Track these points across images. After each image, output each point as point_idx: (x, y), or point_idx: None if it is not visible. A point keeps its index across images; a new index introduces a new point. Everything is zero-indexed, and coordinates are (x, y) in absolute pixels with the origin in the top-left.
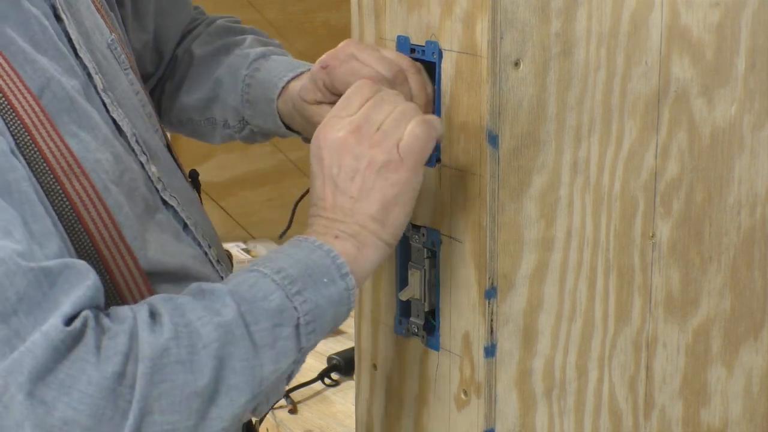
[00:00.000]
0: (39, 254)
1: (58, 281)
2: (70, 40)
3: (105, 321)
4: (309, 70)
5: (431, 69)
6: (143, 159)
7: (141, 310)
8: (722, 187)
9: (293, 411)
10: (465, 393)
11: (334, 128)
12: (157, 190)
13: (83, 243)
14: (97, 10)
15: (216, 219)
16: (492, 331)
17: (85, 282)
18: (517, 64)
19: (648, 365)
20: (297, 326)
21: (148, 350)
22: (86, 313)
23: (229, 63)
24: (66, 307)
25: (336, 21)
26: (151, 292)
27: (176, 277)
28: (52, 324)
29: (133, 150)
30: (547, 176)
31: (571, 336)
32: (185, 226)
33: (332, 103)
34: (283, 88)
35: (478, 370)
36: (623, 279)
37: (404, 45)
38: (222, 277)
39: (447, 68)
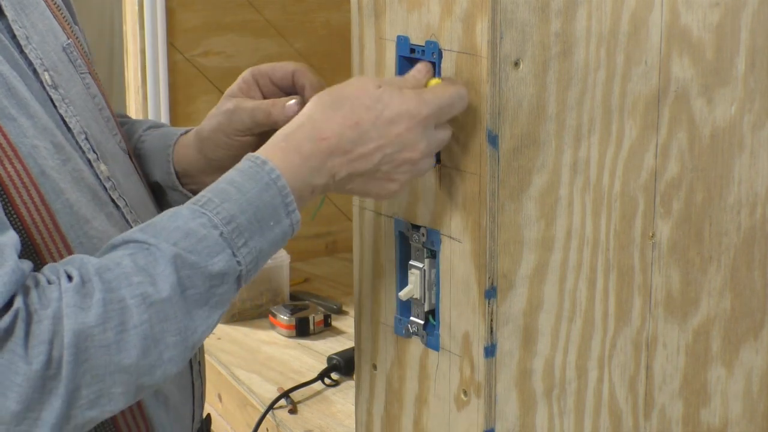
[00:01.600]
0: None
1: None
2: (14, 36)
3: (32, 304)
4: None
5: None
6: (91, 157)
7: (68, 289)
8: (722, 187)
9: (293, 411)
10: (465, 393)
11: (427, 131)
12: (105, 189)
13: (15, 226)
14: (54, 15)
15: None
16: (492, 331)
17: (3, 267)
18: (516, 64)
19: (648, 365)
20: (238, 278)
21: (73, 338)
22: (18, 305)
23: (124, 129)
24: None
25: (336, 21)
26: None
27: None
28: None
29: (80, 147)
30: (547, 176)
31: (571, 336)
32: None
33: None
34: (185, 133)
35: (478, 370)
36: (623, 279)
37: (404, 45)
38: None
39: (447, 68)
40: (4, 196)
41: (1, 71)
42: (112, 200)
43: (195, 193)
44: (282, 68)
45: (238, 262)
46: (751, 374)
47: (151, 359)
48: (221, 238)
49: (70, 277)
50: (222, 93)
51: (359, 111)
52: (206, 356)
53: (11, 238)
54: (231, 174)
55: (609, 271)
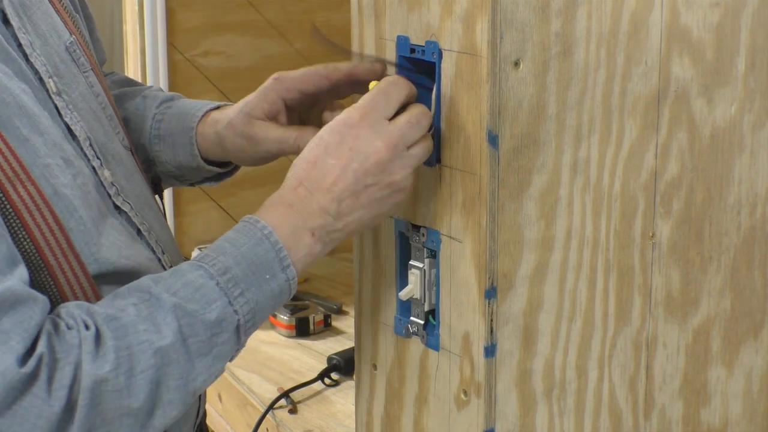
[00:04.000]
0: None
1: (3, 311)
2: (20, 45)
3: (55, 351)
4: (229, 105)
5: (431, 69)
6: (96, 164)
7: (87, 337)
8: (722, 187)
9: (293, 411)
10: (465, 393)
11: (374, 128)
12: (109, 196)
13: (27, 250)
14: (57, 11)
15: (216, 219)
16: (492, 331)
17: (30, 313)
18: (517, 64)
19: (648, 365)
20: (237, 327)
21: (89, 382)
22: (41, 349)
23: (135, 105)
24: (16, 343)
25: (336, 21)
26: (98, 298)
27: (128, 279)
28: (7, 364)
29: (85, 154)
30: (547, 176)
31: (571, 336)
32: (138, 231)
33: (275, 120)
34: (203, 117)
35: (478, 370)
36: (623, 279)
37: (404, 45)
38: None
39: (447, 68)
40: (18, 219)
41: (12, 89)
42: (116, 206)
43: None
44: (312, 76)
45: (235, 311)
46: (751, 374)
47: (153, 401)
48: (217, 287)
49: (87, 325)
50: (222, 93)
51: (311, 151)
52: None
53: (22, 274)
54: (227, 233)
55: (609, 271)
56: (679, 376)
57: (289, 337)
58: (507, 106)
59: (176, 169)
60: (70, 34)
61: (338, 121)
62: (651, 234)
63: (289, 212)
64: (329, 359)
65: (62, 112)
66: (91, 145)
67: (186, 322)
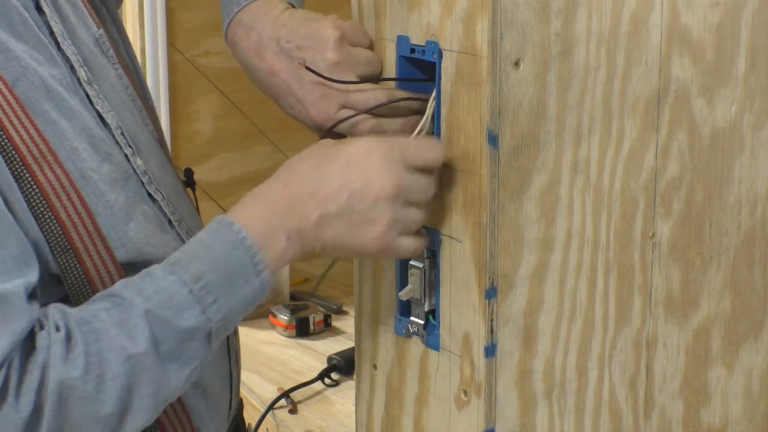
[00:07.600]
0: None
1: None
2: (51, 32)
3: (25, 353)
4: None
5: (431, 69)
6: (128, 152)
7: (57, 340)
8: (722, 187)
9: (293, 411)
10: (465, 393)
11: (392, 165)
12: (142, 183)
13: (53, 231)
14: (84, 5)
15: None
16: (492, 331)
17: (16, 323)
18: (517, 64)
19: (648, 365)
20: (209, 334)
21: (56, 387)
22: (12, 355)
23: None
24: None
25: None
26: None
27: None
28: None
29: (117, 143)
30: (547, 176)
31: (571, 336)
32: (170, 222)
33: None
34: (231, 21)
35: (478, 370)
36: (623, 279)
37: (404, 45)
38: None
39: (447, 68)
40: (44, 201)
41: (41, 74)
42: (149, 194)
43: None
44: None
45: (208, 319)
46: (751, 374)
47: (124, 407)
48: (190, 295)
49: (57, 327)
50: (222, 93)
51: (318, 155)
52: None
53: (28, 278)
54: (200, 234)
55: (609, 271)
56: (679, 376)
57: (289, 337)
58: (507, 106)
59: None
60: (97, 27)
61: (361, 140)
62: (651, 234)
63: (269, 211)
64: (329, 359)
65: (93, 101)
66: (122, 133)
67: (158, 329)
